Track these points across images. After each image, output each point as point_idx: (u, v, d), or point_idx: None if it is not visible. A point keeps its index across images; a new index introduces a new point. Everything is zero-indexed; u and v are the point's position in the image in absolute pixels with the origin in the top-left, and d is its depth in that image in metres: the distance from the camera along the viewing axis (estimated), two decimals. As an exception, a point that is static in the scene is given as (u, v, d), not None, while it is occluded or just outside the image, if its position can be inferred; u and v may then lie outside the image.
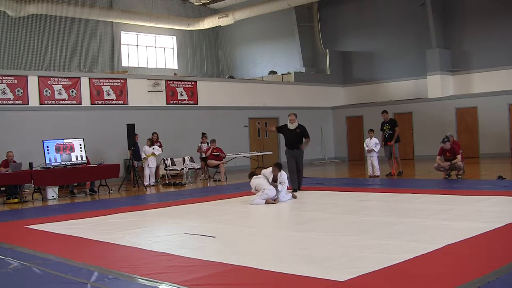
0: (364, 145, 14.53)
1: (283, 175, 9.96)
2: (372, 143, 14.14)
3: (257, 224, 8.12)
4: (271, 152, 19.67)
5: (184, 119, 18.78)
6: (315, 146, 22.34)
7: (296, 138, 11.36)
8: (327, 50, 24.21)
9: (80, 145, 13.65)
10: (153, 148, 15.22)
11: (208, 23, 24.55)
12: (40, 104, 15.70)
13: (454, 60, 20.93)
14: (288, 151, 11.52)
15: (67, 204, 11.76)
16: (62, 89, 16.13)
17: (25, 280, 4.99)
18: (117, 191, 13.91)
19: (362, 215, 7.88)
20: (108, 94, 17.06)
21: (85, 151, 13.76)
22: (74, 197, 13.25)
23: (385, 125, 14.60)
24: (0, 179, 12.17)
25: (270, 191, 9.71)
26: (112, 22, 23.07)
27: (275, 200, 9.73)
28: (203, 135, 16.36)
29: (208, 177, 16.44)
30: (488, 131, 19.26)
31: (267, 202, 9.67)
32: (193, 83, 19.43)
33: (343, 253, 5.35)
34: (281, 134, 12.80)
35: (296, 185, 11.23)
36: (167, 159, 16.50)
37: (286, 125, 11.55)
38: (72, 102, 16.31)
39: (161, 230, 7.66)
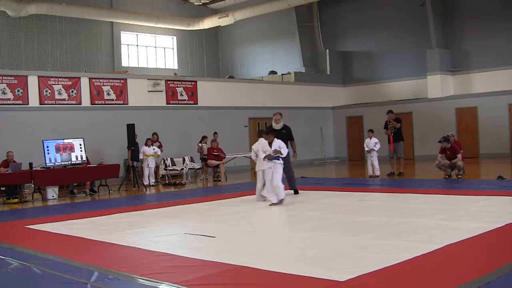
0: (364, 145, 14.54)
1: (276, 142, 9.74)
2: (372, 143, 14.14)
3: (257, 224, 8.12)
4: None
5: (184, 119, 18.77)
6: (315, 146, 22.37)
7: (282, 139, 11.17)
8: (327, 50, 24.21)
9: (80, 145, 13.65)
10: (154, 148, 15.22)
11: (208, 23, 24.54)
12: (40, 104, 15.69)
13: (454, 60, 20.92)
14: None
15: (67, 204, 11.75)
16: (62, 89, 16.12)
17: (25, 280, 4.99)
18: (117, 191, 13.90)
19: (362, 215, 7.87)
20: (108, 94, 17.05)
21: (85, 151, 13.76)
22: (74, 197, 13.24)
23: (390, 123, 14.53)
24: (0, 179, 12.17)
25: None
26: (112, 22, 23.06)
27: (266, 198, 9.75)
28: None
29: (209, 177, 16.44)
30: (488, 131, 19.25)
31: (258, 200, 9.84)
32: (193, 83, 19.43)
33: (343, 253, 5.34)
34: None
35: (292, 186, 11.08)
36: (167, 159, 16.50)
37: (271, 126, 11.03)
38: (72, 102, 16.31)
39: (161, 230, 7.64)
